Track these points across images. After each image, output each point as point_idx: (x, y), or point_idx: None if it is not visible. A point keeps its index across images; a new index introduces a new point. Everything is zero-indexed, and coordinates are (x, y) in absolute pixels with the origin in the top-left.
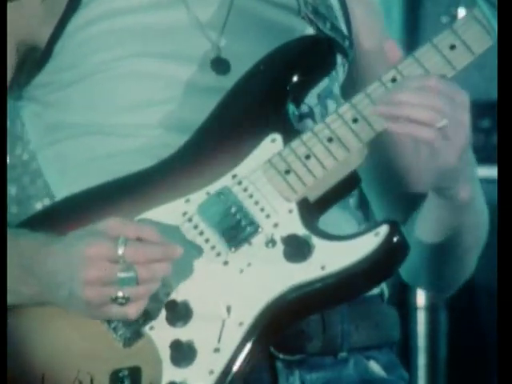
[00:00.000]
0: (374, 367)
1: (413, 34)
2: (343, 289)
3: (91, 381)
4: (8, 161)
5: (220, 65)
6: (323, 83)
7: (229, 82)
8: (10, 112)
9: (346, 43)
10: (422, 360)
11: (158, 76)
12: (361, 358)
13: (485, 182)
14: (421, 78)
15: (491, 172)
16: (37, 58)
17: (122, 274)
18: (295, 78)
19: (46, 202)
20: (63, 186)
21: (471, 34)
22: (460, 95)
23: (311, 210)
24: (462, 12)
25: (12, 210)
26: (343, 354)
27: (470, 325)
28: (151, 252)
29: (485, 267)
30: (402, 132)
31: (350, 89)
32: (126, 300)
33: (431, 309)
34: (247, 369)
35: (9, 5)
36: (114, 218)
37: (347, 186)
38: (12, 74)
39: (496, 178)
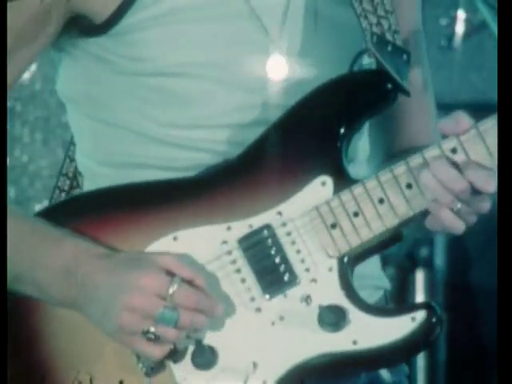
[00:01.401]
0: (383, 373)
1: None
2: (370, 364)
3: (91, 381)
4: (7, 162)
5: (283, 72)
6: None
7: (290, 85)
8: (11, 111)
9: (405, 57)
10: (421, 362)
11: (225, 86)
12: None
13: None
14: (474, 168)
15: None
16: (85, 26)
17: (166, 311)
18: (355, 120)
19: (46, 204)
20: (94, 157)
21: None
22: (491, 191)
23: (350, 269)
24: (461, 14)
25: None
26: None
27: (469, 327)
28: (198, 301)
29: (485, 268)
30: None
31: None
32: (156, 338)
33: None
34: None
35: None
36: (171, 254)
37: (389, 243)
38: (54, 34)
39: None
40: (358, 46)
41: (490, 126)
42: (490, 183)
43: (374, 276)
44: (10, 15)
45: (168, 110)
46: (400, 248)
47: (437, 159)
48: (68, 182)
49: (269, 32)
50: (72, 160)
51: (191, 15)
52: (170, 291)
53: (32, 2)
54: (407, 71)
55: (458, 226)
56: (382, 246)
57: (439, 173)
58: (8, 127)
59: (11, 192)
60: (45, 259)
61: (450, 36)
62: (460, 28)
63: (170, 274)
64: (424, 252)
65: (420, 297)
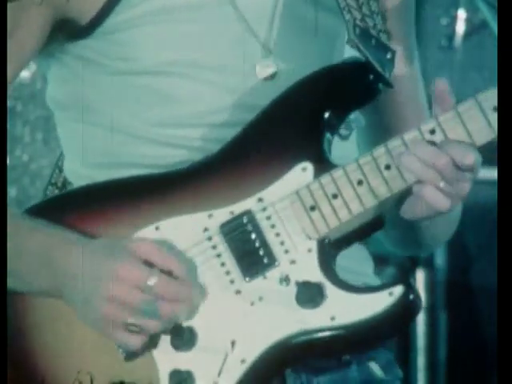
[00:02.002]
0: (375, 368)
1: None
2: (349, 341)
3: (91, 381)
4: (8, 162)
5: (269, 70)
6: None
7: (275, 92)
8: (8, 112)
9: (389, 55)
10: (421, 360)
11: (200, 88)
12: (363, 360)
13: (482, 183)
14: (453, 145)
15: (488, 173)
16: (71, 29)
17: (146, 304)
18: (335, 109)
19: None
20: (79, 160)
21: None
22: (474, 171)
23: (330, 250)
24: (461, 14)
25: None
26: (346, 357)
27: (468, 325)
28: (178, 292)
29: (485, 268)
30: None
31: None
32: (138, 330)
33: (430, 310)
34: None
35: None
36: (148, 242)
37: (370, 228)
38: (42, 40)
39: (492, 178)
40: (344, 51)
41: (469, 107)
42: (469, 156)
43: (367, 274)
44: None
45: (156, 108)
46: None
47: (416, 140)
48: (57, 191)
49: (256, 34)
50: (61, 171)
51: (179, 15)
52: (150, 283)
53: (26, 4)
54: (391, 68)
55: (443, 203)
56: (364, 231)
57: (419, 151)
58: (8, 127)
59: (12, 191)
60: (20, 248)
61: (451, 36)
62: (460, 27)
63: (149, 263)
64: None
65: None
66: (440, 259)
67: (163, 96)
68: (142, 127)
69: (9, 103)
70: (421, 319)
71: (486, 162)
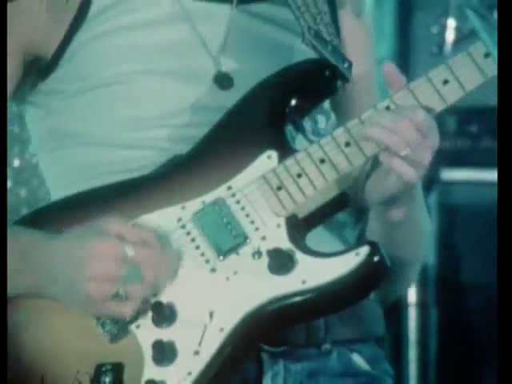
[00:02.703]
0: (358, 360)
1: (404, 43)
2: (322, 303)
3: (91, 382)
4: (18, 164)
5: (223, 80)
6: None
7: (232, 96)
8: (17, 116)
9: (346, 65)
10: (412, 354)
11: (162, 92)
12: (344, 351)
13: (471, 184)
14: (410, 109)
15: (477, 175)
16: (41, 67)
17: (129, 270)
18: (295, 101)
19: None
20: (61, 189)
21: (464, 71)
22: (432, 136)
23: (299, 226)
24: (451, 23)
25: (22, 211)
26: (327, 346)
27: (457, 320)
28: (155, 255)
29: (474, 265)
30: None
31: (341, 109)
32: (126, 297)
33: (421, 306)
34: (228, 371)
35: (13, 16)
36: (114, 217)
37: (335, 206)
38: (16, 83)
39: (479, 179)
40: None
41: (419, 83)
42: (419, 112)
43: None
44: None
45: (122, 115)
46: None
47: (371, 116)
48: None
49: (209, 47)
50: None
51: (136, 31)
52: (128, 253)
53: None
54: (349, 76)
55: (408, 171)
56: (330, 209)
57: (381, 119)
58: (18, 130)
59: (22, 193)
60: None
61: (441, 43)
62: (450, 35)
63: (121, 237)
64: None
65: (411, 293)
66: (430, 258)
67: (126, 103)
68: (113, 135)
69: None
70: (413, 314)
71: (473, 164)
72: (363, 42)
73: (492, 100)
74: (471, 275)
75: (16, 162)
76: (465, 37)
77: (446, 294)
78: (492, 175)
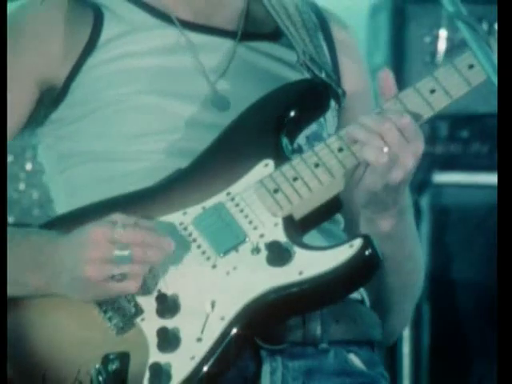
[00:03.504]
0: (354, 360)
1: (399, 52)
2: (318, 294)
3: (91, 381)
4: (30, 167)
5: (220, 101)
6: (312, 128)
7: (228, 116)
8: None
9: (340, 90)
10: (406, 348)
11: (160, 110)
12: (341, 350)
13: (462, 186)
14: (396, 113)
15: (468, 178)
16: (53, 97)
17: (118, 252)
18: (291, 114)
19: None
20: (70, 207)
21: (450, 81)
22: (417, 142)
23: (295, 226)
24: (443, 33)
25: (34, 212)
26: (324, 345)
27: (449, 316)
28: (144, 236)
29: (463, 265)
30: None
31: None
32: (123, 276)
33: None
34: (229, 357)
35: (30, 48)
36: (117, 213)
37: (330, 209)
38: (29, 113)
39: (471, 182)
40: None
41: (407, 93)
42: (405, 117)
43: None
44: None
45: (122, 130)
46: None
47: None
48: None
49: (208, 73)
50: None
51: (141, 58)
52: (116, 235)
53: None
54: (343, 101)
55: (383, 162)
56: (324, 211)
57: (364, 119)
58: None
59: (34, 194)
60: (16, 252)
61: (434, 52)
62: (442, 45)
63: (115, 222)
64: None
65: None
66: (423, 257)
67: (125, 119)
68: (121, 149)
69: None
70: None
71: (464, 168)
72: (357, 69)
73: (481, 107)
74: (461, 273)
75: (28, 166)
76: (456, 46)
77: (438, 290)
78: (482, 178)
